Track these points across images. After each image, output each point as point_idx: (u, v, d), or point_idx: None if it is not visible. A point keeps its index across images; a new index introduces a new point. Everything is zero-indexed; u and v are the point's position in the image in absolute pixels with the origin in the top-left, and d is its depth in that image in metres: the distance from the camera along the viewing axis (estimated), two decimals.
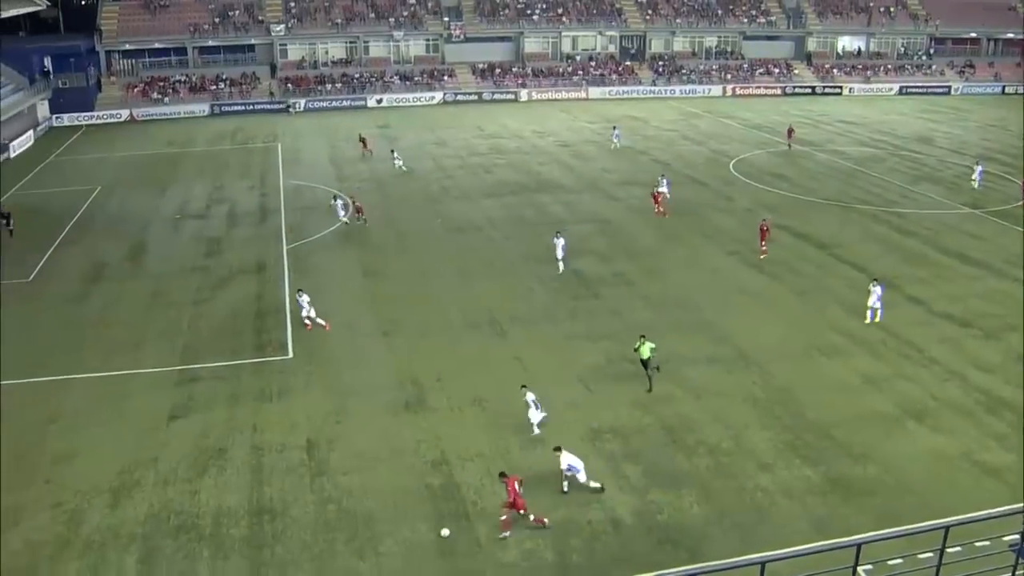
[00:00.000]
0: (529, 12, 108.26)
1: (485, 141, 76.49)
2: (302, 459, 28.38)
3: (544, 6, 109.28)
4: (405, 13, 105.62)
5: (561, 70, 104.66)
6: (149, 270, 45.91)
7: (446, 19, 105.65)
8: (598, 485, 26.60)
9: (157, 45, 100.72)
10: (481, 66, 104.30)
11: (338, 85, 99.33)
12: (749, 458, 28.06)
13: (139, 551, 24.63)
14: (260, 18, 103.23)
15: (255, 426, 30.34)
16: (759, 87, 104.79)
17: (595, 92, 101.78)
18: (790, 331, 36.66)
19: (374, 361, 34.74)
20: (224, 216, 55.52)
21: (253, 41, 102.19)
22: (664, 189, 54.81)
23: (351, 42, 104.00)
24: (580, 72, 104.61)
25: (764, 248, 45.29)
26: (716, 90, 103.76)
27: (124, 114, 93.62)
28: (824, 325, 37.15)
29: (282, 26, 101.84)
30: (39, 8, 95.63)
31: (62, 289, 43.76)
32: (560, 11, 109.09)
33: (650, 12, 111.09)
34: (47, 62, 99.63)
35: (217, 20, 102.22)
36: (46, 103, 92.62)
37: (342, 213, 51.81)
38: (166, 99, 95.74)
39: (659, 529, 24.97)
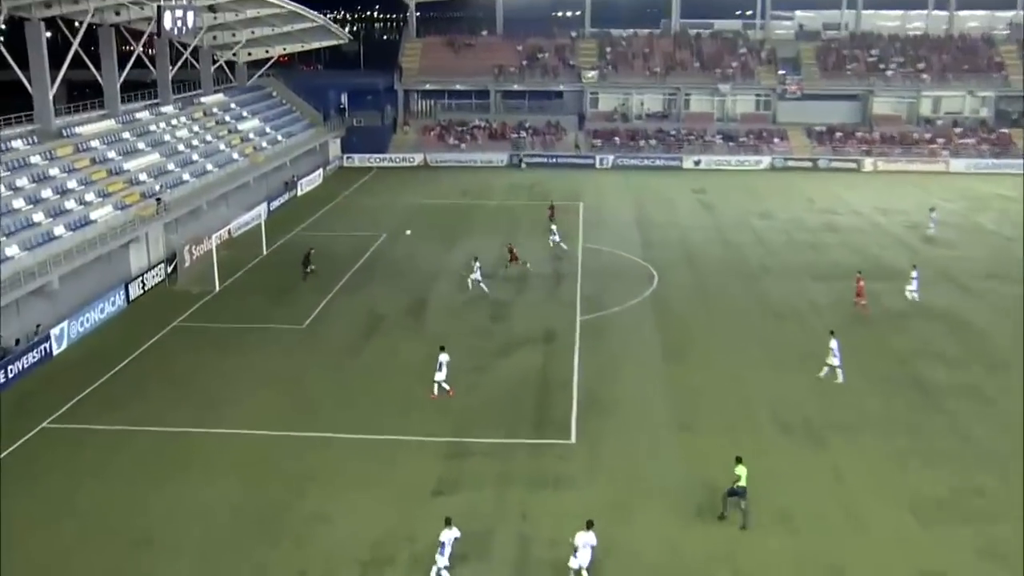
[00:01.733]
0: (882, 67, 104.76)
1: (816, 216, 75.02)
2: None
3: (901, 59, 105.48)
4: (735, 64, 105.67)
5: (916, 136, 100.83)
6: (429, 328, 48.19)
7: (782, 72, 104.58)
8: None
9: (458, 87, 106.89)
10: (818, 128, 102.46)
11: (651, 141, 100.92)
12: None
13: None
14: (572, 62, 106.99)
15: (524, 514, 30.80)
16: None
17: (958, 164, 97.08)
18: None
19: (667, 457, 34.51)
20: (515, 277, 57.47)
21: (562, 88, 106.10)
22: (913, 287, 52.20)
23: (671, 94, 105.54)
24: (941, 139, 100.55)
25: None
26: None
27: (417, 158, 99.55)
28: None
29: (595, 72, 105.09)
30: (341, 42, 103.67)
31: (336, 339, 46.81)
32: (921, 65, 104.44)
33: None
34: (343, 99, 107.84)
35: (524, 63, 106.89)
36: (338, 141, 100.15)
37: (477, 274, 54.15)
38: (463, 145, 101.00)
39: None
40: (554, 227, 65.72)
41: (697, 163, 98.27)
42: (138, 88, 79.21)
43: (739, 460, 30.60)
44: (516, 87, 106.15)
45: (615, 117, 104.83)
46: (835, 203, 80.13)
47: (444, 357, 39.68)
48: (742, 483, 30.00)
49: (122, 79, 69.68)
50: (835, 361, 41.10)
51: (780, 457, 34.55)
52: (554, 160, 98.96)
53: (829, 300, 52.48)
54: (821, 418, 37.68)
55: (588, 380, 41.35)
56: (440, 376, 39.51)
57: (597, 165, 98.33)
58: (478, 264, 55.04)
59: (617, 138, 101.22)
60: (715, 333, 47.58)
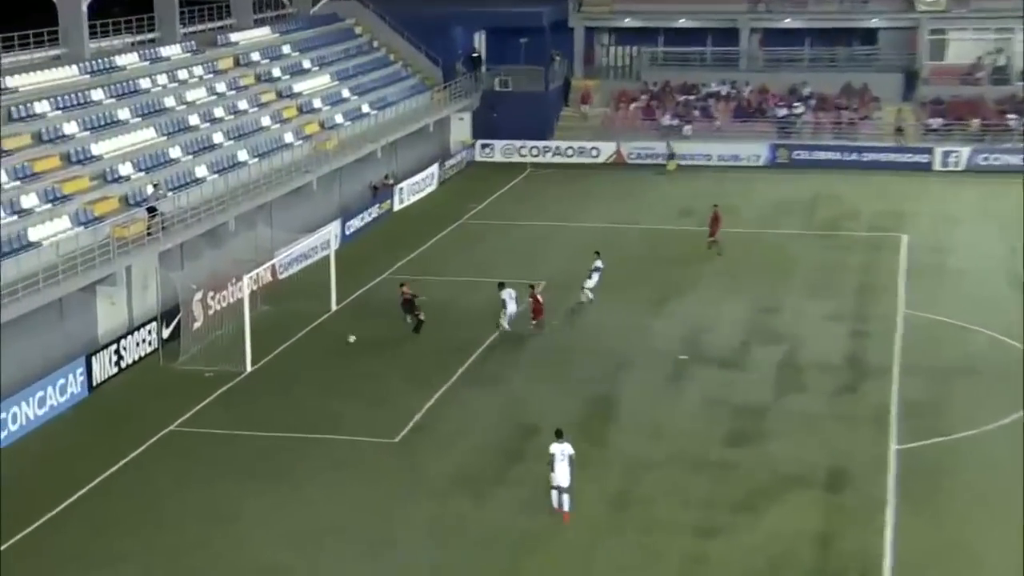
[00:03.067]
0: None
1: None
2: None
3: None
4: None
5: None
6: (616, 451, 47.76)
7: None
8: None
9: (683, 22, 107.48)
10: None
11: None
12: None
13: None
14: None
15: None
16: None
17: None
18: None
19: None
20: (774, 367, 56.86)
21: (875, 23, 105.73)
22: None
23: None
24: None
25: None
26: None
27: (606, 150, 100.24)
28: None
29: None
30: None
31: (451, 466, 46.63)
32: None
33: None
34: (477, 41, 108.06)
35: None
36: (467, 117, 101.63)
37: (511, 308, 60.17)
38: (687, 127, 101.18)
39: None
40: (598, 263, 65.85)
41: None
42: (118, 14, 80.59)
43: None
44: (788, 23, 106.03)
45: (977, 77, 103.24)
46: None
47: (562, 449, 41.78)
48: None
49: None
50: None
51: None
52: (855, 156, 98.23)
53: None
54: None
55: (914, 565, 40.17)
56: (560, 480, 41.54)
57: (937, 165, 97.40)
58: (511, 296, 58.34)
59: (979, 117, 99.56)
60: None
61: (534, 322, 61.00)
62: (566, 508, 41.75)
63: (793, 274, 70.89)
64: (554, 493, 41.73)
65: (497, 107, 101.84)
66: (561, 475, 41.46)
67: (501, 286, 60.83)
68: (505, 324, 60.59)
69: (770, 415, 51.69)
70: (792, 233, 79.97)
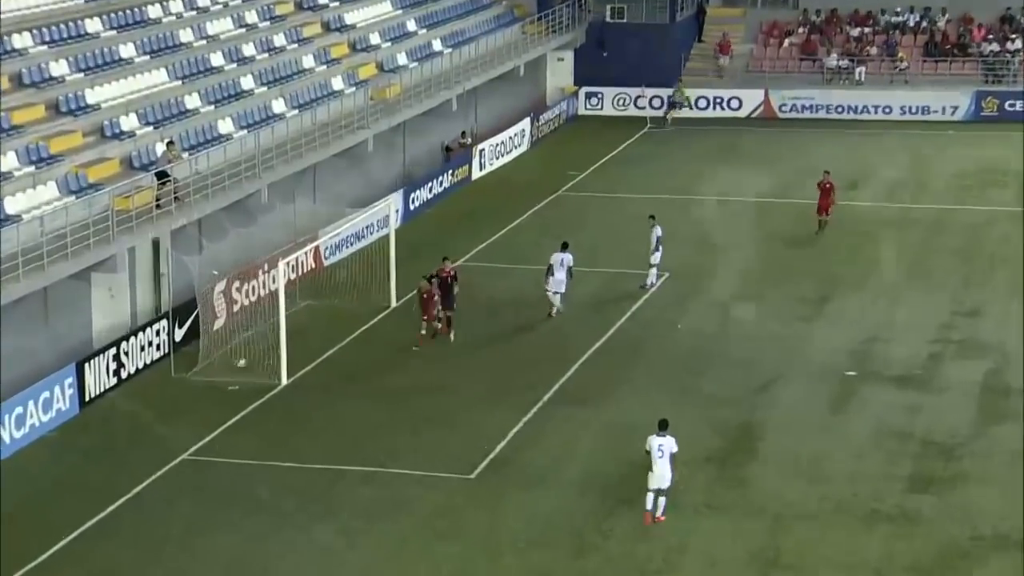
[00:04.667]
0: None
1: None
2: None
3: None
4: None
5: None
6: (761, 495, 46.97)
7: None
8: None
9: None
10: None
11: None
12: None
13: None
14: None
15: None
16: None
17: None
18: None
19: None
20: (974, 389, 56.07)
21: None
22: None
23: None
24: None
25: None
26: None
27: (750, 99, 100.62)
28: None
29: None
30: None
31: (538, 511, 45.70)
32: None
33: None
34: None
35: None
36: (568, 58, 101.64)
37: (559, 275, 61.77)
38: (860, 71, 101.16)
39: None
40: (657, 230, 66.38)
41: None
42: None
43: None
44: None
45: None
46: None
47: (661, 443, 43.48)
48: None
49: None
50: None
51: None
52: None
53: None
54: None
55: None
56: (658, 481, 43.06)
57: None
58: (561, 263, 59.40)
59: None
60: None
61: (422, 332, 59.75)
62: (660, 513, 43.29)
63: (1001, 266, 70.22)
64: (650, 496, 42.73)
65: (608, 44, 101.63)
66: (660, 475, 42.67)
67: (564, 247, 61.54)
68: (557, 303, 61.61)
69: (968, 452, 50.60)
70: (1000, 211, 79.62)
